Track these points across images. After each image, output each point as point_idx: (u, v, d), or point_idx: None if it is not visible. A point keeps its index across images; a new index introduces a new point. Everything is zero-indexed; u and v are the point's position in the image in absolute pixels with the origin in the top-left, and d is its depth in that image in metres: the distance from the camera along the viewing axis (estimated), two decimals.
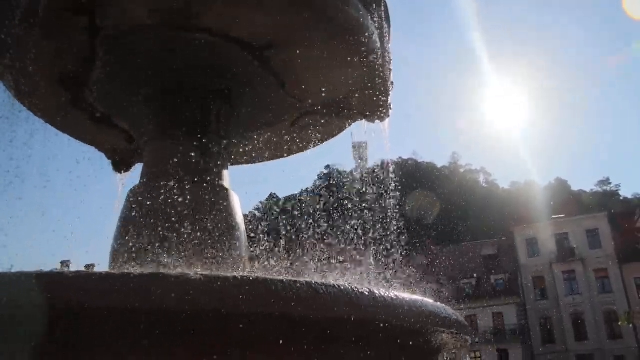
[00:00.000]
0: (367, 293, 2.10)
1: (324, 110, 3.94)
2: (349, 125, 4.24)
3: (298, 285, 1.91)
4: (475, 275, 51.78)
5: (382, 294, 2.17)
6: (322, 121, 4.07)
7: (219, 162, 3.42)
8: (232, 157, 3.86)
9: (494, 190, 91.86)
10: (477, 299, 47.53)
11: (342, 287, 2.03)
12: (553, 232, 52.32)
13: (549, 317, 50.25)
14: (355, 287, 2.09)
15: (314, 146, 4.39)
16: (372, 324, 2.11)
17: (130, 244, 3.05)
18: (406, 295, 2.35)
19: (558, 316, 48.88)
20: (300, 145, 4.26)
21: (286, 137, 4.11)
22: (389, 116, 4.09)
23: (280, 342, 1.92)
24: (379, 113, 3.98)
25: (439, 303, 2.62)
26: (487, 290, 50.42)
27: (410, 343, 2.40)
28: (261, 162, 4.44)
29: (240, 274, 1.93)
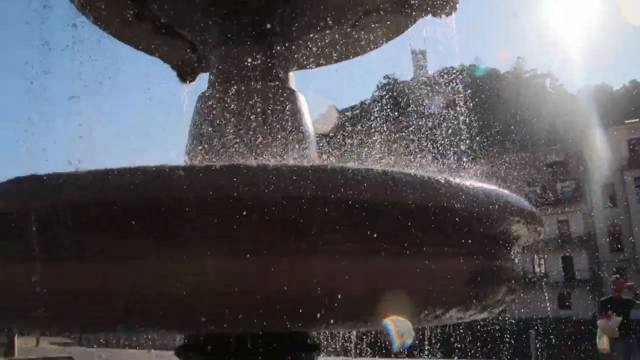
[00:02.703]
0: (443, 181, 2.10)
1: (388, 7, 3.79)
2: (414, 22, 4.07)
3: (375, 172, 1.93)
4: (541, 182, 50.79)
5: (458, 182, 2.17)
6: (386, 19, 3.93)
7: (284, 65, 3.41)
8: (296, 60, 3.84)
9: (561, 96, 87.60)
10: (542, 206, 46.81)
11: (418, 175, 2.04)
12: (626, 137, 50.07)
13: (617, 224, 49.17)
14: (432, 175, 2.09)
15: (377, 47, 4.27)
16: (449, 212, 2.13)
17: (203, 148, 3.15)
18: (481, 184, 2.34)
19: (627, 224, 47.71)
20: (364, 46, 4.16)
21: (349, 38, 4.01)
22: (456, 10, 3.90)
23: (357, 229, 1.97)
24: (445, 6, 3.80)
25: (513, 194, 2.60)
26: (553, 197, 49.49)
27: (486, 233, 2.41)
28: (324, 65, 4.38)
29: (317, 163, 1.96)
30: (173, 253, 1.88)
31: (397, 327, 2.20)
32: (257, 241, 1.86)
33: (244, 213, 1.79)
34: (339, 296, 1.93)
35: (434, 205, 2.05)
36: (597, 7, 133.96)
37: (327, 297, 1.92)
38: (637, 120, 50.80)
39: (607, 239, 48.89)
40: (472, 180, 2.35)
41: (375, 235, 2.00)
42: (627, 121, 51.37)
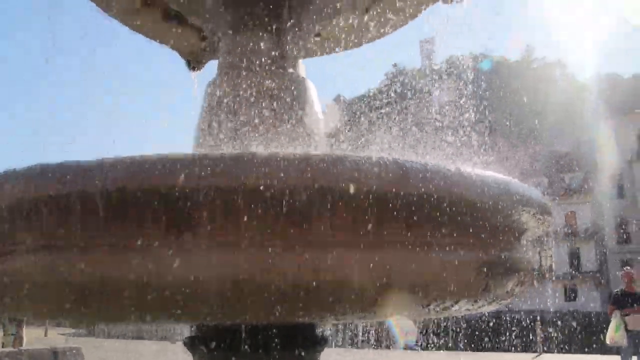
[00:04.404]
0: (453, 170, 2.08)
1: None
2: (425, 9, 4.03)
3: (386, 161, 1.91)
4: (548, 173, 50.59)
5: (469, 171, 2.15)
6: (397, 6, 3.89)
7: (294, 52, 3.38)
8: (306, 47, 3.81)
9: (571, 84, 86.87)
10: (550, 197, 46.54)
11: (429, 164, 2.02)
12: (634, 127, 49.65)
13: (625, 216, 48.97)
14: (442, 164, 2.07)
15: (387, 34, 4.24)
16: (459, 202, 2.11)
17: (211, 136, 3.14)
18: (492, 173, 2.32)
19: (635, 216, 47.48)
20: (374, 33, 4.12)
21: (360, 24, 3.98)
22: None
23: (369, 218, 1.96)
24: None
25: (523, 184, 2.57)
26: (561, 188, 49.28)
27: (496, 223, 2.39)
28: (334, 53, 4.35)
29: (329, 152, 1.94)
30: (182, 243, 1.87)
31: (401, 325, 2.19)
32: (265, 232, 1.84)
33: (252, 203, 1.78)
34: (348, 288, 1.92)
35: (445, 194, 2.03)
36: None
37: (337, 289, 1.91)
38: None
39: (614, 231, 48.59)
40: (483, 170, 2.33)
41: (384, 226, 1.98)
42: (636, 110, 50.82)
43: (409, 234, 2.05)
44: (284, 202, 1.78)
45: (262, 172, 1.76)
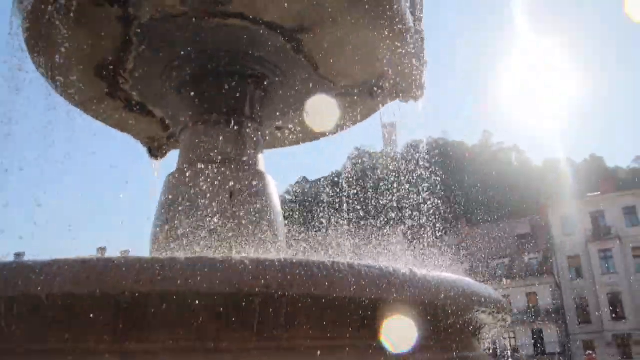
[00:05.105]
0: (408, 274, 2.10)
1: (358, 92, 3.91)
2: (383, 105, 4.20)
3: (340, 266, 1.92)
4: (508, 254, 51.20)
5: (424, 274, 2.17)
6: (356, 103, 4.04)
7: (254, 146, 3.44)
8: (267, 140, 3.88)
9: (527, 168, 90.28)
10: (510, 278, 46.91)
11: (384, 268, 2.03)
12: (588, 209, 51.28)
13: (584, 296, 49.46)
14: (397, 268, 2.09)
15: (347, 128, 4.37)
16: (414, 305, 2.12)
17: (169, 229, 3.10)
18: (447, 275, 2.35)
19: (594, 296, 48.04)
20: (335, 128, 4.25)
21: (321, 119, 4.10)
22: (423, 96, 4.04)
23: (323, 323, 1.94)
24: (413, 93, 3.93)
25: (479, 283, 2.60)
26: (521, 270, 49.79)
27: (452, 323, 2.39)
28: (295, 144, 4.45)
29: (283, 256, 1.94)
30: (129, 348, 1.81)
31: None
32: (219, 337, 1.80)
33: (202, 310, 1.75)
34: None
35: (399, 299, 2.04)
36: (563, 85, 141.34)
37: None
38: (598, 193, 52.27)
39: (575, 312, 48.94)
40: (438, 271, 2.36)
41: (339, 330, 1.96)
42: (588, 194, 52.83)
43: (364, 336, 2.03)
44: (231, 309, 1.76)
45: (208, 278, 1.74)
